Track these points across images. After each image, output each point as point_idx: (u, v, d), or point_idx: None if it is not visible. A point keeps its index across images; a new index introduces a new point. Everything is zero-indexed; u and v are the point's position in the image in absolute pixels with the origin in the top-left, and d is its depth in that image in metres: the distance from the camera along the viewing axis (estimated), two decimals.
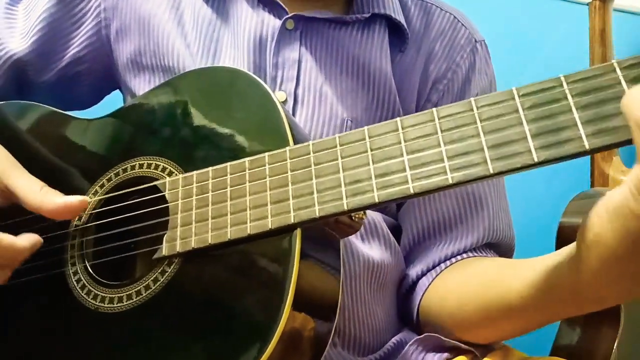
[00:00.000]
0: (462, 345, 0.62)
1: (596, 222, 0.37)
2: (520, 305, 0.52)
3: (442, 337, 0.63)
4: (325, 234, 0.48)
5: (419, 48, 0.71)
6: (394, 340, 0.66)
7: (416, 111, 0.67)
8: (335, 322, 0.48)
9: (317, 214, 0.42)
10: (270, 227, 0.44)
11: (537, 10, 1.35)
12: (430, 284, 0.67)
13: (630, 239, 0.35)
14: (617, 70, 0.37)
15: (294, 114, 0.64)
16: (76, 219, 0.54)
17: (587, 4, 1.15)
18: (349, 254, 0.62)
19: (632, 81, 0.36)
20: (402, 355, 0.63)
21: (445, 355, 0.62)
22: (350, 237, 0.62)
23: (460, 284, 0.64)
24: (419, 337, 0.64)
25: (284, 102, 0.64)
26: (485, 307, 0.58)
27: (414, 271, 0.68)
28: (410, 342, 0.64)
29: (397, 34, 0.70)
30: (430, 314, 0.66)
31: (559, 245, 0.85)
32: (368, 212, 0.66)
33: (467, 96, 0.70)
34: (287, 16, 0.66)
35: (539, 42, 1.35)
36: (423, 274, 0.68)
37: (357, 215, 0.48)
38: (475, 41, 0.73)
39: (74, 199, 0.50)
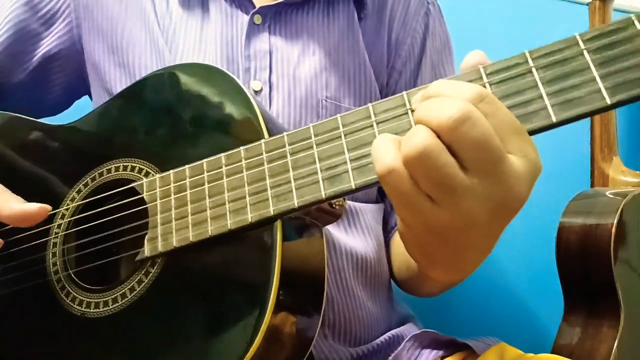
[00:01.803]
0: (458, 340, 0.63)
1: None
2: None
3: (438, 333, 0.64)
4: (307, 224, 0.49)
5: (381, 16, 0.72)
6: (390, 333, 0.67)
7: (388, 78, 0.70)
8: (322, 313, 0.48)
9: (296, 205, 0.43)
10: (250, 221, 0.44)
11: (537, 10, 1.35)
12: (391, 237, 0.72)
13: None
14: (580, 42, 0.37)
15: (270, 101, 0.64)
16: (56, 226, 0.54)
17: (587, 4, 1.14)
18: (332, 248, 0.62)
19: (595, 52, 0.36)
20: (399, 351, 0.64)
21: (441, 352, 0.63)
22: (332, 230, 0.63)
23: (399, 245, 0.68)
24: (415, 333, 0.65)
25: (260, 91, 0.64)
26: (411, 271, 0.65)
27: (392, 221, 0.73)
28: (406, 338, 0.64)
29: (358, 4, 0.71)
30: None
31: (559, 245, 0.84)
32: (350, 202, 0.67)
33: (425, 59, 0.73)
34: (254, 10, 0.66)
35: (539, 42, 1.34)
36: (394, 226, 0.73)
37: (337, 203, 0.48)
38: (428, 3, 0.75)
39: (33, 206, 0.49)
